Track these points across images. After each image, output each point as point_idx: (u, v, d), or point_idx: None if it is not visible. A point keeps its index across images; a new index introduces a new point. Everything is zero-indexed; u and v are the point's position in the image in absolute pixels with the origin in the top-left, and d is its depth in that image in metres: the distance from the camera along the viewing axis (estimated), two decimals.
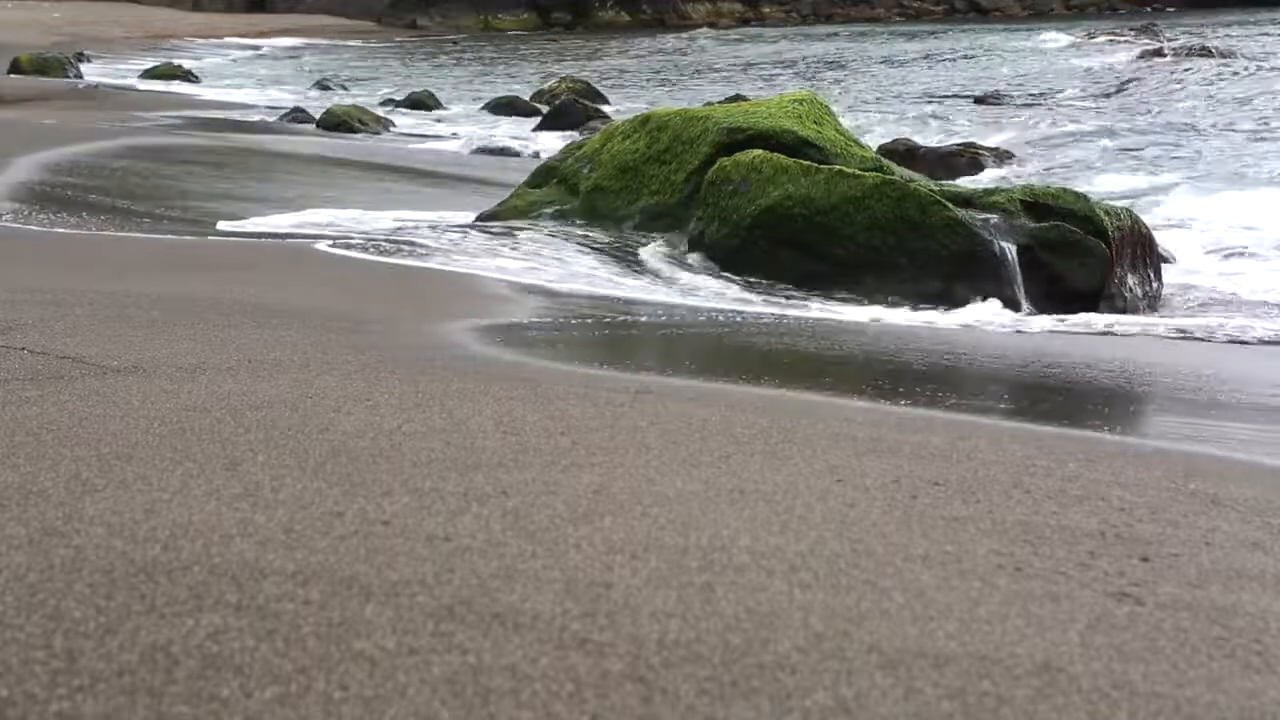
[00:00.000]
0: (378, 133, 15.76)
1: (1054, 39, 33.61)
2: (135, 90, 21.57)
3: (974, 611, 2.01)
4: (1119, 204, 7.54)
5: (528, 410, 3.17)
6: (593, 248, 7.33)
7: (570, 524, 2.29)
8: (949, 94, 22.05)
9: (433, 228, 7.67)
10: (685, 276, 6.91)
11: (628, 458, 2.77)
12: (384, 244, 6.90)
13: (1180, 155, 13.14)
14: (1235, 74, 21.83)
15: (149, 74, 25.24)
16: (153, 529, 2.16)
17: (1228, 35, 33.86)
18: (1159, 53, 26.08)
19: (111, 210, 7.92)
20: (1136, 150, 13.49)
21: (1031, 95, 21.11)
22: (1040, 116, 17.64)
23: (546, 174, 8.42)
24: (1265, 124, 15.44)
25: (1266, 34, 34.45)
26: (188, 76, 24.99)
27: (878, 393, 4.11)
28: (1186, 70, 23.13)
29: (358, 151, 13.35)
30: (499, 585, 1.99)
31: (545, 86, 22.39)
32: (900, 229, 6.54)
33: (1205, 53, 25.11)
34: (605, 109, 18.90)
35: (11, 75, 22.93)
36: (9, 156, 9.60)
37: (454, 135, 16.38)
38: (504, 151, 14.06)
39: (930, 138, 14.90)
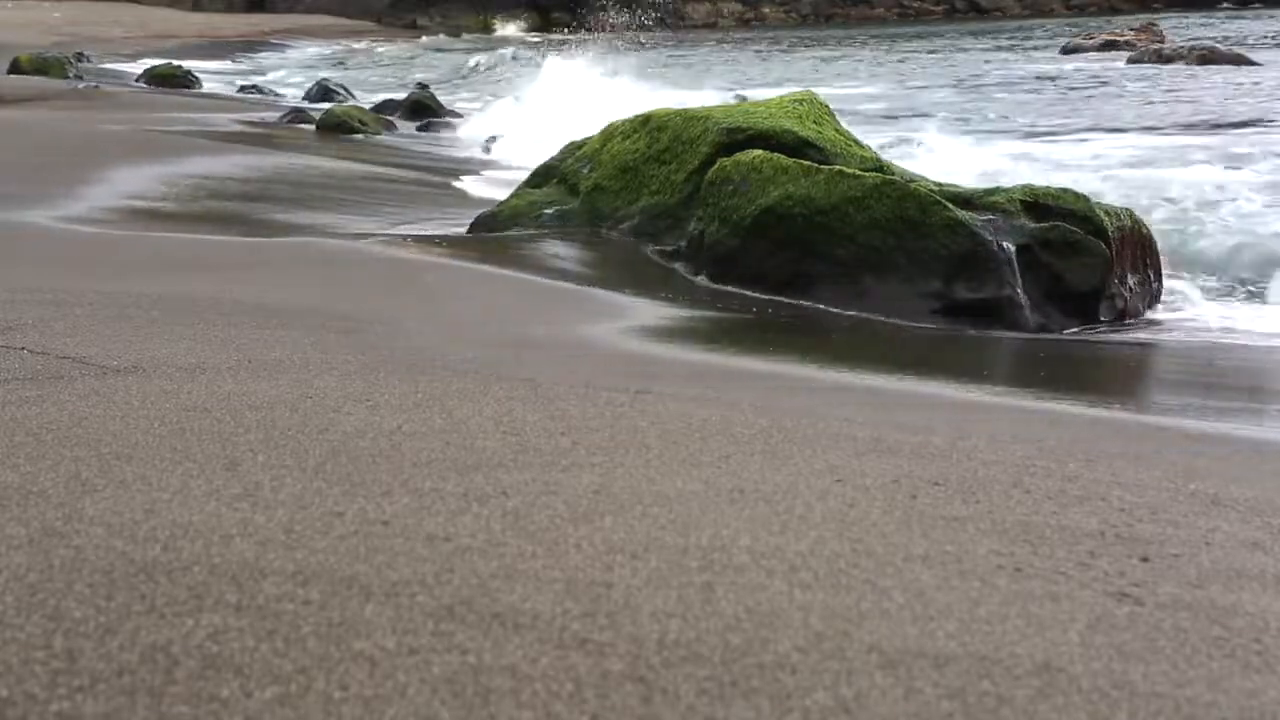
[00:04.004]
0: (377, 133, 15.75)
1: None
2: (139, 92, 21.56)
3: (974, 611, 2.01)
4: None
5: (528, 410, 3.17)
6: (592, 248, 7.34)
7: (570, 524, 2.29)
8: (949, 94, 22.02)
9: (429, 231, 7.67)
10: (683, 277, 6.91)
11: (628, 458, 2.77)
12: (383, 245, 6.90)
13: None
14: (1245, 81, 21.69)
15: (149, 75, 25.22)
16: (153, 529, 2.16)
17: (1233, 36, 33.77)
18: (1160, 55, 25.92)
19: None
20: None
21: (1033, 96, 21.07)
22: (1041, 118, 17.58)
23: (546, 174, 8.41)
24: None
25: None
26: (187, 78, 24.96)
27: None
28: (1192, 73, 23.03)
29: (359, 153, 13.35)
30: (499, 585, 2.00)
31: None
32: (900, 229, 6.53)
33: (1211, 56, 24.86)
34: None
35: (11, 75, 22.90)
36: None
37: (456, 138, 16.36)
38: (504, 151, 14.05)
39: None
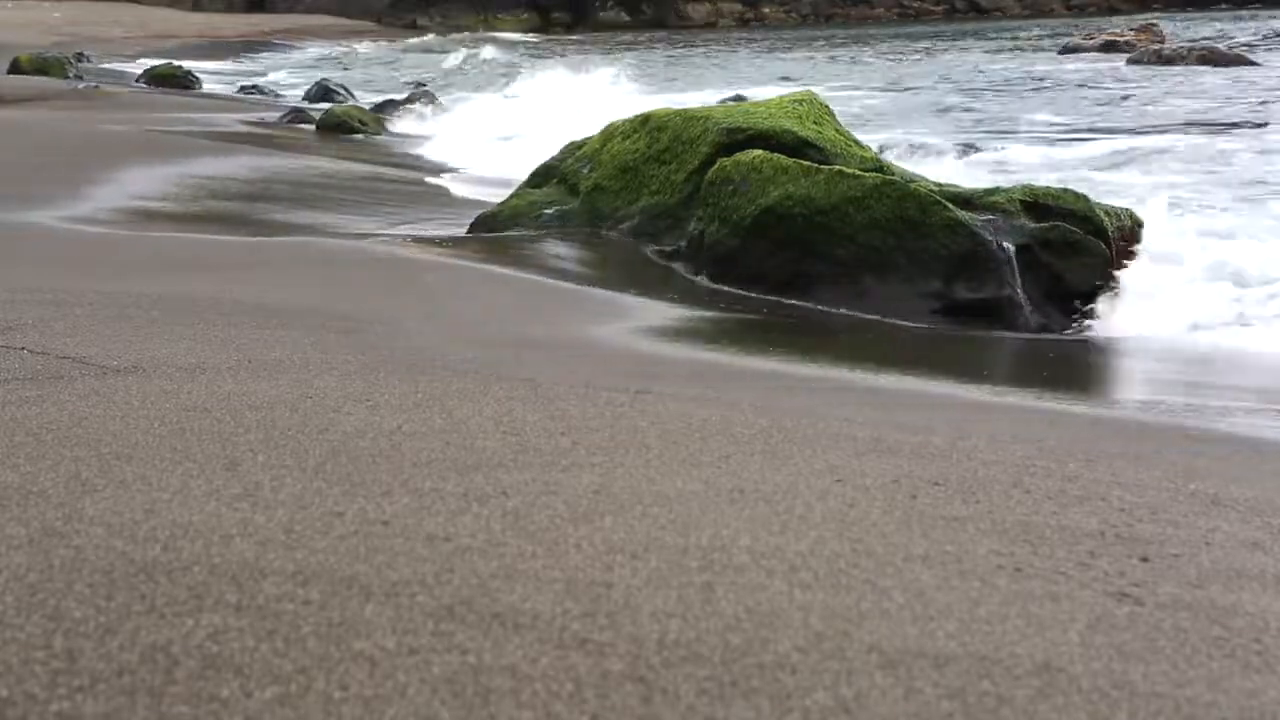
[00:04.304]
0: (377, 133, 15.75)
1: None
2: (139, 92, 21.55)
3: (974, 611, 2.01)
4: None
5: (528, 410, 3.17)
6: (592, 248, 7.34)
7: (570, 524, 2.29)
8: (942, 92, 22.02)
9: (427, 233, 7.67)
10: (683, 277, 6.92)
11: (628, 458, 2.77)
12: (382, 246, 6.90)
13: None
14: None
15: (149, 75, 25.21)
16: (153, 529, 2.16)
17: (1233, 37, 33.75)
18: (1160, 55, 25.84)
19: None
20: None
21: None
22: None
23: (546, 174, 8.41)
24: None
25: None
26: (187, 78, 24.94)
27: None
28: (1192, 74, 22.96)
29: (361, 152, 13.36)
30: (499, 585, 2.00)
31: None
32: (900, 229, 6.53)
33: (1211, 56, 24.72)
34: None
35: (11, 75, 22.88)
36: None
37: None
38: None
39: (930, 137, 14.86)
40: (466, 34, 54.61)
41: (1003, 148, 13.63)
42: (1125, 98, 19.80)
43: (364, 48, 46.34)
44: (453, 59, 34.40)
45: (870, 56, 34.72)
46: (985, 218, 6.60)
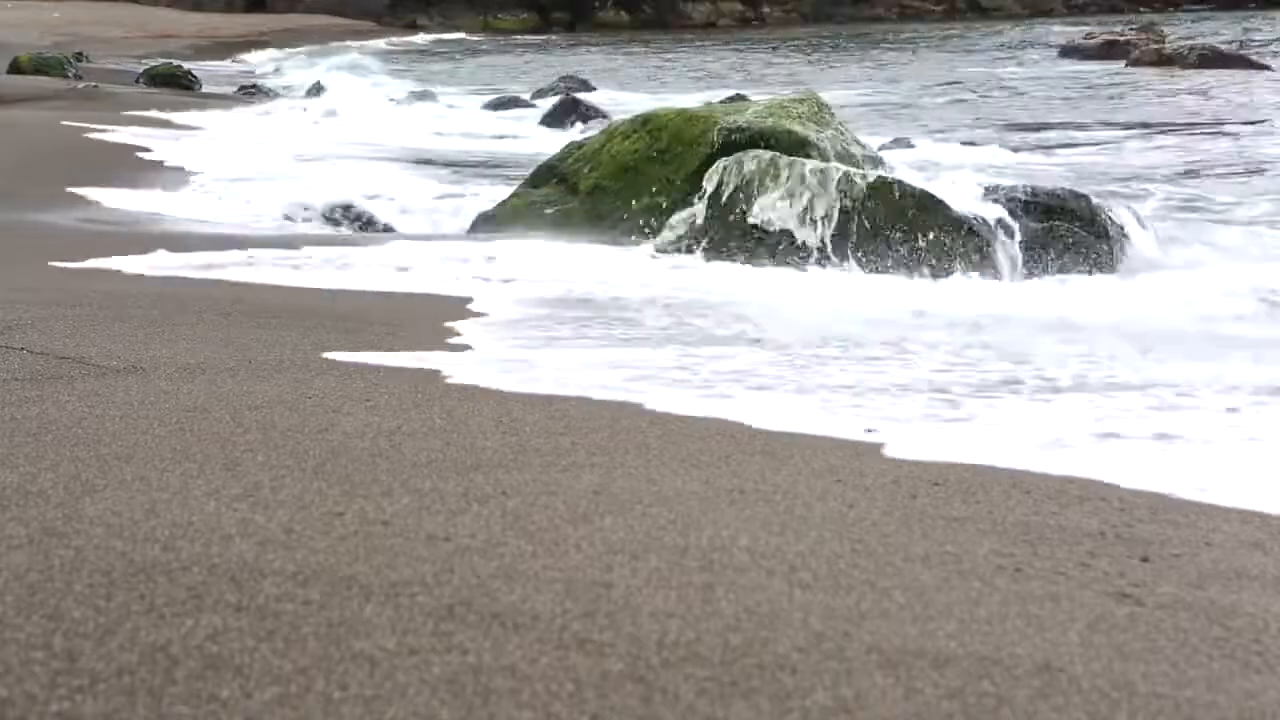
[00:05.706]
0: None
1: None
2: (139, 93, 21.52)
3: (974, 611, 2.01)
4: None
5: (528, 410, 3.17)
6: (591, 247, 7.35)
7: (570, 524, 2.29)
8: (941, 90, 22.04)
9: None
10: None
11: (628, 458, 2.77)
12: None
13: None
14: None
15: (149, 75, 25.18)
16: (153, 529, 2.16)
17: (1235, 38, 33.73)
18: (1160, 56, 25.68)
19: None
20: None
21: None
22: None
23: (547, 173, 8.41)
24: None
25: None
26: (186, 78, 24.90)
27: None
28: (1189, 75, 22.87)
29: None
30: (499, 585, 2.00)
31: (545, 85, 22.43)
32: (901, 227, 6.54)
33: (1212, 58, 24.50)
34: (600, 102, 18.76)
35: (11, 75, 22.84)
36: None
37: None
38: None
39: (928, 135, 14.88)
40: (463, 34, 54.50)
41: (1008, 147, 13.64)
42: (1121, 98, 19.75)
43: (369, 45, 46.18)
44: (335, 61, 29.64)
45: (873, 56, 34.71)
46: (985, 216, 6.62)
